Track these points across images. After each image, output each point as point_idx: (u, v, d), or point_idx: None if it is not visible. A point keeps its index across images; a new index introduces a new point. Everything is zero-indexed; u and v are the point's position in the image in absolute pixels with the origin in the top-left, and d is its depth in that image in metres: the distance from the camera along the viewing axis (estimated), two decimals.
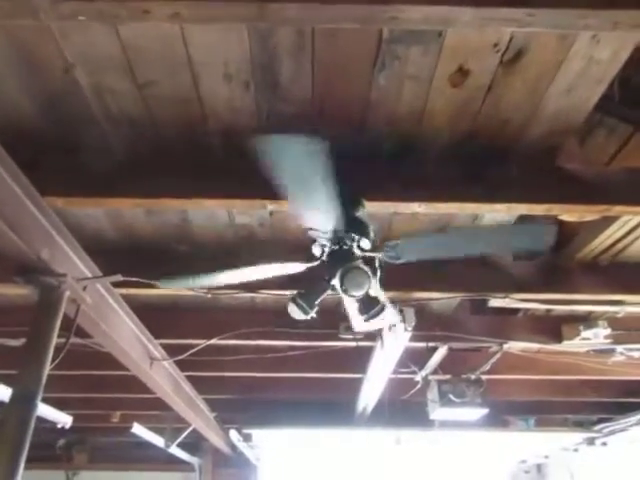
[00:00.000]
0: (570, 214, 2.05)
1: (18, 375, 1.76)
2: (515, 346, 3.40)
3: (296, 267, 1.80)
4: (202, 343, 3.04)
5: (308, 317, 1.76)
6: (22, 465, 1.60)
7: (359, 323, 2.25)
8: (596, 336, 3.25)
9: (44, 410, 4.18)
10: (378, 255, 1.80)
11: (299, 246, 1.94)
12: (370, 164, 1.85)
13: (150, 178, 1.90)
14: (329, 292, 1.75)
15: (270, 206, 1.91)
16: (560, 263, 2.65)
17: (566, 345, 3.37)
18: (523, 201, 1.92)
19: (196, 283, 2.01)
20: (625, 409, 4.75)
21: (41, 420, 4.22)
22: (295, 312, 1.74)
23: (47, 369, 1.80)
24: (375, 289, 1.79)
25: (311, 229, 1.66)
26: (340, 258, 1.69)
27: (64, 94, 1.69)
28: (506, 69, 1.59)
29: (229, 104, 1.70)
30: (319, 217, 1.58)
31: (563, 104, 1.71)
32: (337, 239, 1.68)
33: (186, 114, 1.75)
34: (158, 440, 5.11)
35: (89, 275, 2.05)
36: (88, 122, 1.80)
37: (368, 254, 1.78)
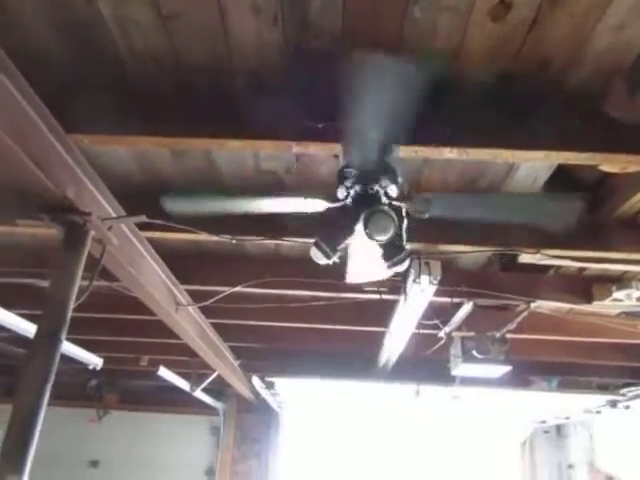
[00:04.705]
0: (612, 164, 1.94)
1: (43, 311, 1.79)
2: (543, 305, 3.34)
3: (318, 204, 1.75)
4: (226, 290, 3.07)
5: (330, 262, 1.73)
6: (47, 398, 1.64)
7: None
8: (628, 297, 3.16)
9: (76, 351, 4.34)
10: (405, 206, 1.74)
11: (326, 193, 1.89)
12: None
13: (174, 117, 1.86)
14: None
15: (296, 148, 1.86)
16: (597, 219, 2.54)
17: (596, 306, 3.28)
18: (562, 149, 1.82)
19: (210, 206, 1.97)
20: None
21: (73, 361, 4.39)
22: (317, 256, 1.71)
23: (71, 306, 1.82)
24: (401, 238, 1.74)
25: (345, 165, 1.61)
26: (365, 201, 1.64)
27: (88, 27, 1.65)
28: (552, 1, 1.47)
29: (256, 39, 1.63)
30: (361, 145, 1.51)
31: (612, 41, 1.58)
32: (365, 181, 1.62)
33: (211, 50, 1.69)
34: (183, 384, 5.28)
35: (114, 216, 2.06)
36: (113, 58, 1.75)
37: (395, 203, 1.72)
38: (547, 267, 3.20)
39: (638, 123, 1.83)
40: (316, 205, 1.74)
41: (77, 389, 6.62)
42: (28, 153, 1.51)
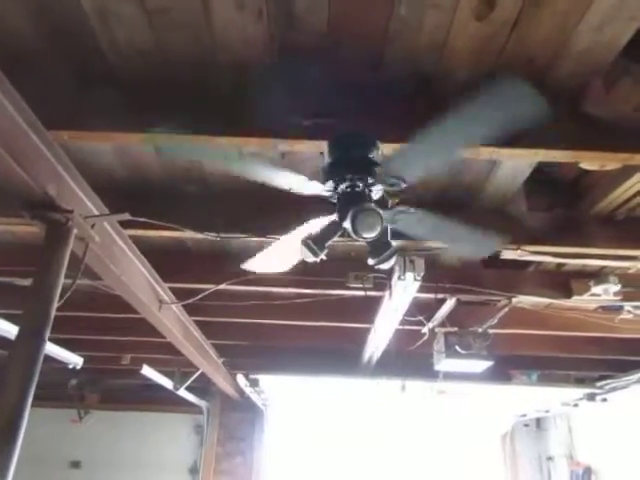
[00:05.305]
0: (591, 162, 1.98)
1: (25, 311, 1.76)
2: (524, 300, 3.39)
3: (313, 186, 1.74)
4: (210, 288, 3.05)
5: (317, 260, 1.73)
6: (30, 399, 1.61)
7: None
8: (606, 292, 3.23)
9: (55, 350, 4.27)
10: (382, 186, 1.76)
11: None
12: (385, 103, 1.77)
13: (158, 113, 1.84)
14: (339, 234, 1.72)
15: (281, 146, 1.86)
16: (576, 215, 2.59)
17: (575, 301, 3.35)
18: (543, 146, 1.86)
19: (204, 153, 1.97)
20: (628, 367, 4.78)
21: (53, 360, 4.32)
22: (305, 254, 1.71)
23: (55, 305, 1.80)
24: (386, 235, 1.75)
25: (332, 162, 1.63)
26: (351, 200, 1.65)
27: (69, 22, 1.62)
28: (535, 1, 1.49)
29: (241, 34, 1.62)
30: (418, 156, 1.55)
31: (593, 41, 1.61)
32: (358, 178, 1.64)
33: (196, 45, 1.68)
34: (167, 382, 5.24)
35: (97, 213, 2.03)
36: (94, 52, 1.73)
37: (375, 189, 1.74)
38: (528, 263, 3.26)
39: (616, 120, 1.87)
40: (312, 187, 1.72)
41: (57, 389, 6.51)
42: (7, 149, 1.49)
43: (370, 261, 1.78)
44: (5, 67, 1.37)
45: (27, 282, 3.15)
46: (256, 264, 2.33)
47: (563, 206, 2.65)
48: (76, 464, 6.91)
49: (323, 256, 1.73)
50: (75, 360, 4.75)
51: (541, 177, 2.47)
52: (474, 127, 1.44)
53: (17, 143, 1.54)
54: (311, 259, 1.74)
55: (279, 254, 2.18)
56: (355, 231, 1.60)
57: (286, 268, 2.35)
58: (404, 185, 1.67)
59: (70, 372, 5.23)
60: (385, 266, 1.78)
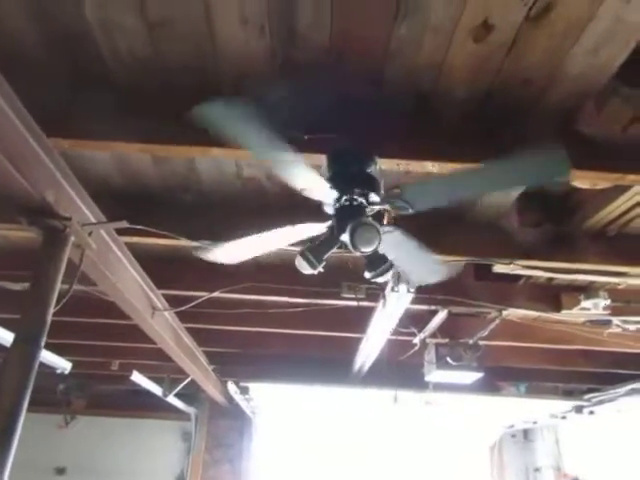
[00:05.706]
0: (582, 181, 2.02)
1: (21, 317, 1.76)
2: (514, 313, 3.43)
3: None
4: (204, 295, 3.06)
5: (315, 272, 1.75)
6: (25, 406, 1.61)
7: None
8: (595, 306, 3.27)
9: (43, 355, 4.23)
10: (387, 206, 1.76)
11: (307, 200, 1.91)
12: (385, 119, 1.80)
13: (158, 123, 1.85)
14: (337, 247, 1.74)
15: None
16: (568, 231, 2.63)
17: (565, 314, 3.39)
18: None
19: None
20: (615, 380, 4.83)
21: (40, 365, 4.26)
22: (303, 266, 1.73)
23: (51, 312, 1.80)
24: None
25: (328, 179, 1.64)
26: (350, 213, 1.67)
27: (73, 31, 1.63)
28: (532, 25, 1.53)
29: (243, 49, 1.64)
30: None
31: (587, 65, 1.65)
32: (349, 192, 1.65)
33: (197, 58, 1.70)
34: (156, 389, 5.21)
35: (94, 220, 2.04)
36: (96, 61, 1.74)
37: (377, 207, 1.75)
38: (519, 276, 3.29)
39: (608, 140, 1.92)
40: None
41: (44, 394, 6.44)
42: (6, 154, 1.49)
43: (367, 274, 1.80)
44: (4, 71, 1.38)
45: (19, 286, 3.16)
46: (222, 254, 2.22)
47: (555, 221, 2.69)
48: (61, 470, 6.81)
49: (320, 268, 1.75)
50: (63, 365, 4.71)
51: (533, 190, 2.51)
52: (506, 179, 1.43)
53: (16, 148, 1.55)
54: (308, 271, 1.76)
55: (249, 246, 2.03)
56: (354, 245, 1.62)
57: (244, 258, 2.20)
58: (411, 211, 1.67)
59: (58, 377, 5.19)
60: (381, 279, 1.80)
